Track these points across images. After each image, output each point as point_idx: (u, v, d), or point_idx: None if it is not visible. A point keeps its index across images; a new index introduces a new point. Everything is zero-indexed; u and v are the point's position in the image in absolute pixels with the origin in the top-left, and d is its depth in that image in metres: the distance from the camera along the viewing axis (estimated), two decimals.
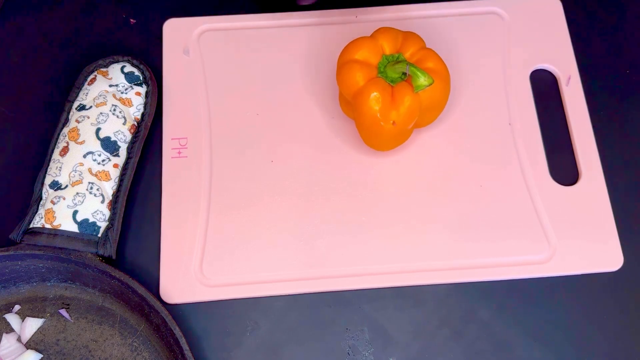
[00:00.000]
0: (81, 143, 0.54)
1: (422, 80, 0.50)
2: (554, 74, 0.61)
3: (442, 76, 0.53)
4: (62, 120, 0.56)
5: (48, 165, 0.54)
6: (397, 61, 0.52)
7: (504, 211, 0.56)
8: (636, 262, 0.55)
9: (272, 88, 0.60)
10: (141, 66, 0.58)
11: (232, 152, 0.57)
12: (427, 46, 0.55)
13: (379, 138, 0.54)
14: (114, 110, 0.55)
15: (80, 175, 0.53)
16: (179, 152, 0.57)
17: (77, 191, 0.52)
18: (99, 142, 0.54)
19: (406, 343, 0.52)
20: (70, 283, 0.52)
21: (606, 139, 0.59)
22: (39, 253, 0.51)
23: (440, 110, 0.55)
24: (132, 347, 0.51)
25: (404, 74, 0.52)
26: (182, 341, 0.48)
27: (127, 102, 0.56)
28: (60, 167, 0.53)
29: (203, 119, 0.59)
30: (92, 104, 0.56)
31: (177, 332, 0.48)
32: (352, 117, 0.56)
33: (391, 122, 0.51)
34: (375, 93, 0.51)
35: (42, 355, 0.51)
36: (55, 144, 0.55)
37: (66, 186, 0.53)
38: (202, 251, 0.54)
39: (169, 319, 0.49)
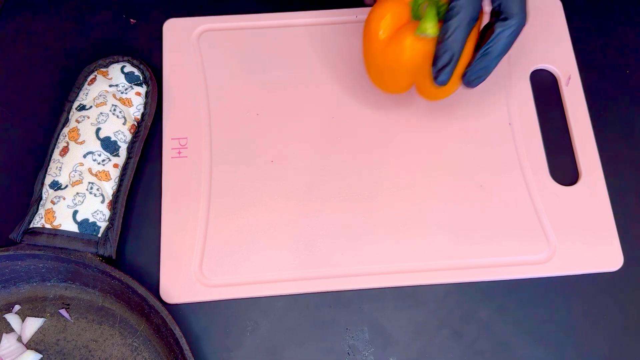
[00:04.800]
0: (81, 143, 0.54)
1: (428, 26, 0.47)
2: (554, 74, 0.61)
3: None
4: (62, 120, 0.56)
5: (48, 165, 0.54)
6: None
7: (504, 211, 0.56)
8: (636, 262, 0.55)
9: (272, 88, 0.60)
10: (141, 66, 0.58)
11: (232, 152, 0.57)
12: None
13: (371, 58, 0.52)
14: (114, 110, 0.55)
15: (80, 175, 0.53)
16: (179, 152, 0.57)
17: (77, 191, 0.52)
18: (99, 142, 0.54)
19: (406, 343, 0.52)
20: (70, 283, 0.52)
21: (606, 139, 0.59)
22: (39, 253, 0.51)
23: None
24: (132, 347, 0.51)
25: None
26: (182, 341, 0.48)
27: (127, 102, 0.56)
28: (60, 167, 0.53)
29: (203, 119, 0.59)
30: (92, 104, 0.56)
31: (177, 332, 0.48)
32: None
33: (380, 32, 0.49)
34: (387, 14, 0.49)
35: (42, 355, 0.51)
36: (55, 144, 0.55)
37: (66, 186, 0.53)
38: (202, 251, 0.54)
39: (169, 319, 0.49)
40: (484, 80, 0.51)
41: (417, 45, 0.49)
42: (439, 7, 0.49)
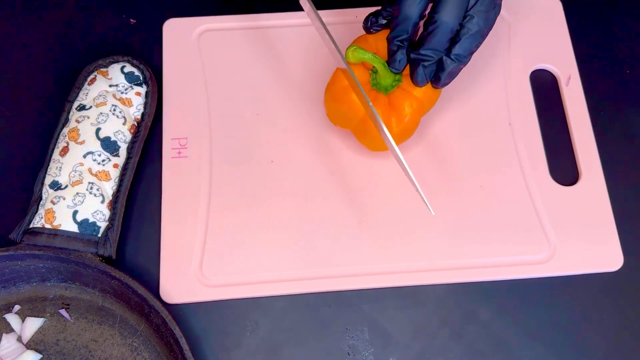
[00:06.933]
0: (81, 143, 0.54)
1: (351, 52, 0.50)
2: (554, 74, 0.61)
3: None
4: (62, 120, 0.56)
5: (48, 165, 0.54)
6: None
7: (504, 211, 0.56)
8: (636, 262, 0.55)
9: (272, 88, 0.60)
10: (141, 66, 0.58)
11: (232, 152, 0.57)
12: None
13: (328, 93, 0.54)
14: (114, 110, 0.55)
15: (80, 175, 0.53)
16: (179, 152, 0.57)
17: (77, 191, 0.52)
18: (99, 142, 0.54)
19: (406, 343, 0.52)
20: (70, 283, 0.52)
21: (606, 139, 0.59)
22: (39, 253, 0.51)
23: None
24: (132, 347, 0.51)
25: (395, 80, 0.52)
26: (182, 341, 0.48)
27: (127, 102, 0.56)
28: (60, 167, 0.53)
29: (203, 119, 0.59)
30: (92, 104, 0.56)
31: (177, 332, 0.48)
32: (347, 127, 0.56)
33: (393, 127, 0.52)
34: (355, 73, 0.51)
35: (42, 355, 0.51)
36: (55, 144, 0.55)
37: (66, 186, 0.53)
38: (202, 251, 0.54)
39: (169, 319, 0.49)
40: (448, 75, 0.50)
41: (355, 99, 0.51)
42: (382, 63, 0.50)
